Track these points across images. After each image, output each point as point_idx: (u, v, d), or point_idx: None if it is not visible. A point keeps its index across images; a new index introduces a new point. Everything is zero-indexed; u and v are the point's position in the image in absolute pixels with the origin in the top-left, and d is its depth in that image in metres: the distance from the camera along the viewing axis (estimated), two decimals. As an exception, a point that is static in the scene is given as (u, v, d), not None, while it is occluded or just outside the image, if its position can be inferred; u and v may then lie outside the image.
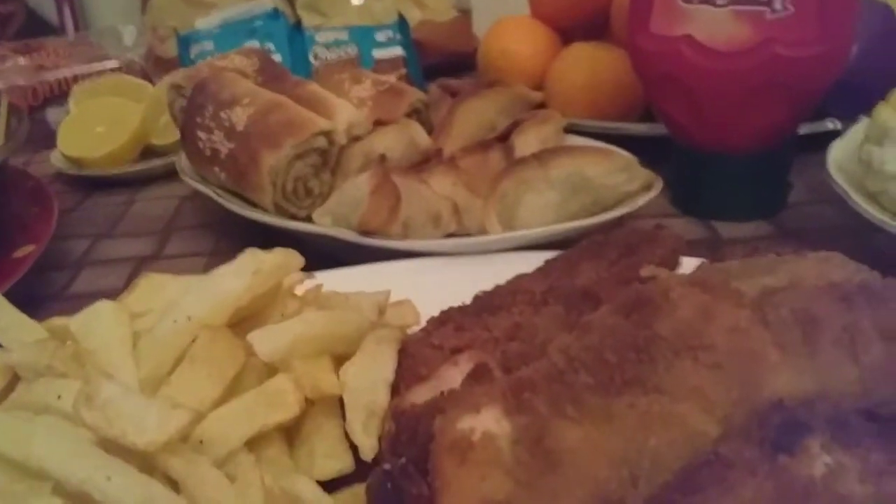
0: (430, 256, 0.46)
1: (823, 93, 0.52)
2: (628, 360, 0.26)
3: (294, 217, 0.52)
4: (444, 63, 0.91)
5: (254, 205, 0.53)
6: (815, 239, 0.52)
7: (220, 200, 0.53)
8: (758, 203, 0.55)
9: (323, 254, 0.47)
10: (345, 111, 0.56)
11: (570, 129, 0.65)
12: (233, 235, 0.58)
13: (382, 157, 0.49)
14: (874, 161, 0.42)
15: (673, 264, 0.36)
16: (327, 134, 0.52)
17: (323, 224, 0.50)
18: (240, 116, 0.52)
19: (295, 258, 0.34)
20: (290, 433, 0.32)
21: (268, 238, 0.51)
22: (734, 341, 0.25)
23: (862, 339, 0.24)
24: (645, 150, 0.57)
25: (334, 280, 0.40)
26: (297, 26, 0.86)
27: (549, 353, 0.27)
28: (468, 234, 0.49)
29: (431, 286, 0.40)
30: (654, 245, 0.36)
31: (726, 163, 0.54)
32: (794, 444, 0.22)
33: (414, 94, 0.62)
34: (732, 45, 0.50)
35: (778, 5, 0.49)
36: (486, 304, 0.34)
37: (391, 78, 0.65)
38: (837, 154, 0.47)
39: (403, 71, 0.83)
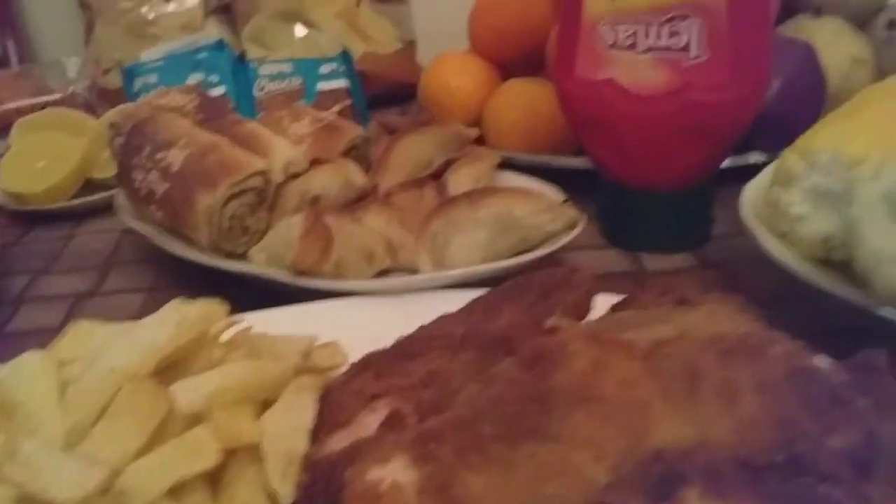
0: (363, 295, 0.47)
1: (741, 133, 0.55)
2: (529, 411, 0.27)
3: (231, 254, 0.53)
4: (388, 93, 0.93)
5: (192, 241, 0.54)
6: (735, 271, 0.54)
7: (156, 240, 0.54)
8: (682, 236, 0.57)
9: (264, 289, 0.48)
10: (282, 149, 0.57)
11: (507, 164, 0.67)
12: (172, 271, 0.59)
13: (315, 199, 0.50)
14: (780, 203, 0.44)
15: (586, 306, 0.38)
16: (263, 173, 0.53)
17: (258, 261, 0.51)
18: (176, 157, 0.53)
19: (219, 308, 0.35)
20: (214, 480, 0.32)
21: (206, 274, 0.52)
22: (623, 393, 0.27)
23: (738, 391, 0.26)
24: (578, 182, 0.59)
25: (266, 321, 0.42)
26: (242, 58, 0.87)
27: (456, 403, 0.28)
28: (403, 271, 0.51)
29: (364, 325, 0.41)
30: (568, 289, 0.38)
31: (650, 199, 0.56)
32: (672, 494, 0.24)
33: (353, 131, 0.64)
34: (653, 90, 0.53)
35: (694, 52, 0.51)
36: (406, 348, 0.35)
37: (330, 114, 0.66)
38: (752, 193, 0.49)
39: (348, 102, 0.85)
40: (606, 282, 0.55)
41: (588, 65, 0.55)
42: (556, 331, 0.31)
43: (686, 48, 0.51)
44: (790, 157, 0.44)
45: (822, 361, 0.27)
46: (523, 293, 0.39)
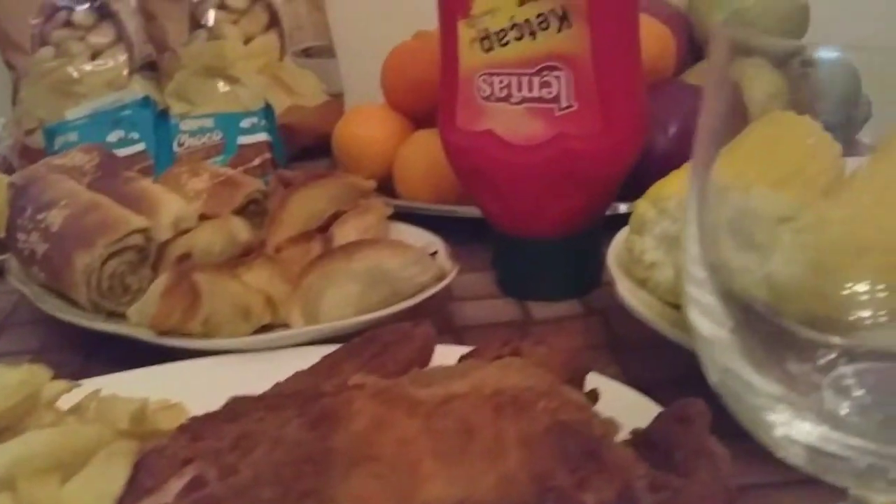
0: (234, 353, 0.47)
1: (618, 180, 0.55)
2: (306, 472, 0.27)
3: (113, 313, 0.53)
4: (315, 146, 0.93)
5: (74, 302, 0.54)
6: (618, 317, 0.54)
7: (37, 301, 0.54)
8: (568, 284, 0.57)
9: (152, 349, 0.48)
10: (171, 206, 0.57)
11: (412, 212, 0.68)
12: (62, 332, 0.58)
13: (182, 257, 0.50)
14: (635, 250, 0.44)
15: (425, 360, 0.38)
16: (143, 231, 0.54)
17: (133, 321, 0.51)
18: (56, 218, 0.53)
19: (42, 372, 0.35)
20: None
21: (95, 334, 0.52)
22: (399, 452, 0.27)
23: (505, 446, 0.26)
24: (480, 231, 0.60)
25: (123, 383, 0.42)
26: (164, 114, 0.88)
27: (239, 467, 0.28)
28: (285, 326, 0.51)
29: (227, 383, 0.41)
30: (406, 344, 0.38)
31: (535, 247, 0.57)
32: (421, 555, 0.24)
33: (251, 185, 0.64)
34: (528, 140, 0.53)
35: (564, 102, 0.52)
36: (232, 409, 0.35)
37: (235, 169, 0.67)
38: (619, 240, 0.50)
39: (268, 155, 0.85)
40: (490, 332, 0.55)
41: (467, 116, 0.55)
42: (359, 387, 0.31)
43: (557, 99, 0.52)
44: (642, 205, 0.45)
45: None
46: (364, 349, 0.39)
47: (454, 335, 0.54)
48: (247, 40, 0.91)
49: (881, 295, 0.29)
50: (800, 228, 0.34)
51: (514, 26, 0.52)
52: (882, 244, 0.35)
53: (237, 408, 0.35)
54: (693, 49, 0.79)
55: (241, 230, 0.56)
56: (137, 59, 0.94)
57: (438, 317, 0.56)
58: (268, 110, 0.87)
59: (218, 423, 0.34)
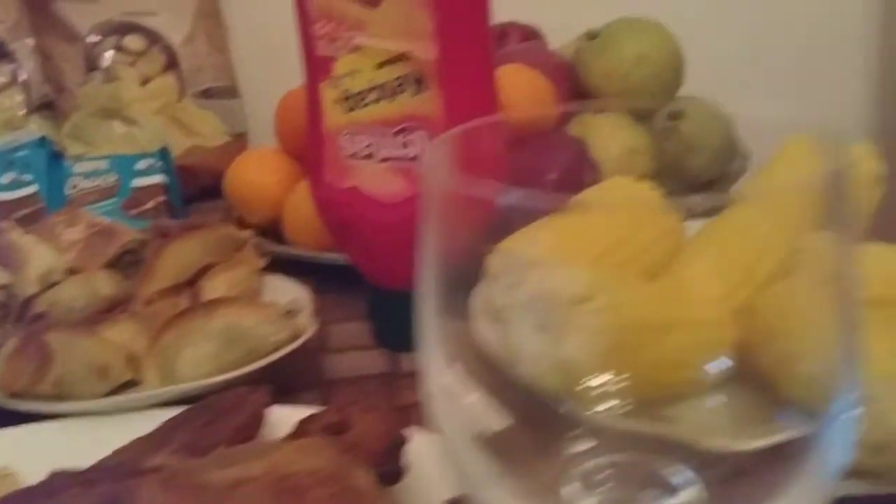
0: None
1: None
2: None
3: (-26, 372, 0.53)
4: (216, 186, 0.93)
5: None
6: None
7: None
8: (437, 336, 0.58)
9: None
10: (40, 260, 0.57)
11: (298, 259, 0.69)
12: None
13: (34, 317, 0.50)
14: (488, 300, 0.46)
15: (253, 429, 0.39)
16: (4, 287, 0.53)
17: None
18: (-87, 275, 0.53)
19: None
20: None
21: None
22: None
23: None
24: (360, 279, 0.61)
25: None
26: (58, 156, 0.87)
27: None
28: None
29: (80, 447, 0.41)
30: (237, 411, 0.39)
31: (403, 299, 0.57)
32: None
33: (127, 235, 0.64)
34: (391, 197, 0.54)
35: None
36: (50, 484, 0.35)
37: (106, 219, 0.66)
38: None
39: (162, 198, 0.85)
40: (359, 385, 0.56)
41: (334, 173, 0.56)
42: (156, 471, 0.31)
43: (416, 158, 0.54)
44: (493, 257, 0.46)
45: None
46: (198, 417, 0.40)
47: (321, 390, 0.55)
48: (144, 82, 0.91)
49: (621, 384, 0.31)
50: (596, 309, 0.36)
51: (373, 88, 0.53)
52: (688, 319, 0.36)
53: (55, 483, 0.36)
54: (578, 99, 0.81)
55: (105, 285, 0.56)
56: (35, 100, 0.93)
57: (310, 369, 0.57)
58: (164, 152, 0.87)
59: (34, 499, 0.35)
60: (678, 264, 0.49)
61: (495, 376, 0.33)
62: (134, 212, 0.84)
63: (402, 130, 0.53)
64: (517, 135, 0.75)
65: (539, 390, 0.36)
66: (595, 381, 0.31)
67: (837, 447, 0.25)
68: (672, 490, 0.26)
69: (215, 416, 0.39)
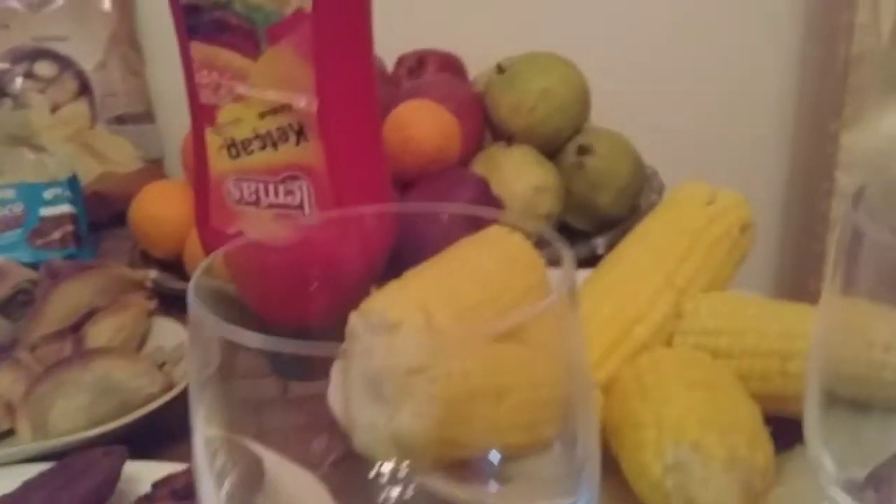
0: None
1: (365, 277, 0.57)
2: None
3: None
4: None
5: None
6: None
7: None
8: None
9: None
10: (-77, 305, 0.56)
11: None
12: None
13: None
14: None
15: (107, 492, 0.39)
16: None
17: None
18: None
19: None
20: None
21: None
22: None
23: None
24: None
25: None
26: (-32, 184, 0.86)
27: None
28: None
29: None
30: (90, 475, 0.39)
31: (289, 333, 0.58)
32: None
33: (20, 275, 0.64)
34: (275, 242, 0.55)
35: (306, 209, 0.54)
36: None
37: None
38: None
39: (70, 228, 0.84)
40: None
41: (220, 218, 0.56)
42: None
43: (300, 206, 0.54)
44: (353, 315, 0.47)
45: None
46: (53, 478, 0.39)
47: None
48: (55, 108, 0.90)
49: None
50: (432, 378, 0.36)
51: (256, 137, 0.53)
52: (522, 382, 0.37)
53: None
54: (488, 132, 0.82)
55: (-14, 333, 0.55)
56: (-57, 125, 0.91)
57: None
58: (73, 181, 0.86)
59: None
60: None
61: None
62: (40, 242, 0.83)
63: (285, 179, 0.54)
64: (420, 172, 0.76)
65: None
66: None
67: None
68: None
69: (69, 480, 0.39)
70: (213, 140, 0.55)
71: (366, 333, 0.45)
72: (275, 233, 0.55)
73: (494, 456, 0.34)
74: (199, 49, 0.53)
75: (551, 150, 0.80)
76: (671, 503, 0.35)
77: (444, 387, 0.37)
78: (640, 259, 0.53)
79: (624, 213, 0.81)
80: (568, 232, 0.81)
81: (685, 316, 0.50)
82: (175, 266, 0.75)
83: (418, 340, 0.41)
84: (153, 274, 0.73)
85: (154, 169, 0.96)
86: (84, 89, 0.91)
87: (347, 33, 0.52)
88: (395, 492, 0.33)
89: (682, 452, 0.35)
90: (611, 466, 0.43)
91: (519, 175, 0.75)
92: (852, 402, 0.33)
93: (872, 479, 0.32)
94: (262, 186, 0.54)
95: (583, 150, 0.80)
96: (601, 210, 0.80)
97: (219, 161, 0.55)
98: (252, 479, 0.30)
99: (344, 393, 0.40)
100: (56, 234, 0.82)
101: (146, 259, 0.77)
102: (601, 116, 0.84)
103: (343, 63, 0.52)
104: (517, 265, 0.52)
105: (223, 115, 0.53)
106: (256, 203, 0.55)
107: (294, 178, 0.53)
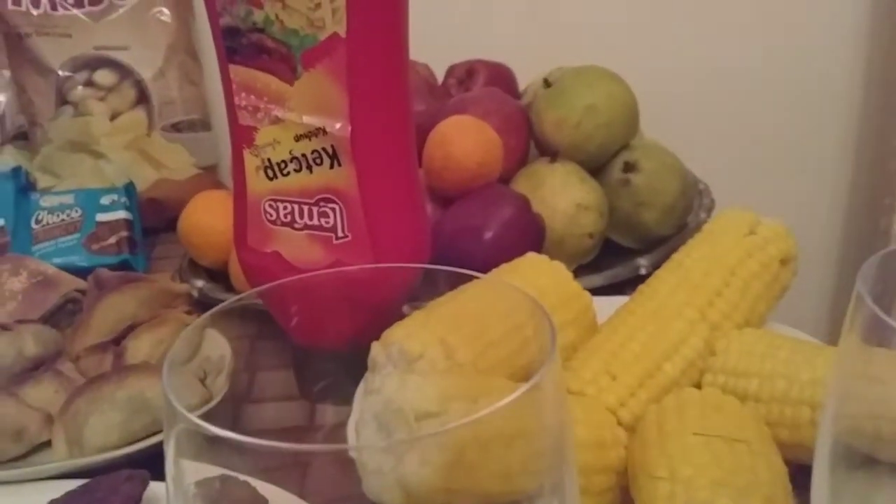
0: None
1: (396, 300, 0.57)
2: None
3: None
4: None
5: None
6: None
7: None
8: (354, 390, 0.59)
9: None
10: (-26, 314, 0.59)
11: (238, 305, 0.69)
12: None
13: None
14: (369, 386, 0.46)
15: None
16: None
17: None
18: None
19: None
20: None
21: None
22: None
23: None
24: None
25: None
26: (26, 189, 0.89)
27: None
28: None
29: None
30: (111, 499, 0.40)
31: (329, 358, 0.58)
32: None
33: (69, 285, 0.66)
34: (310, 264, 0.55)
35: (340, 232, 0.54)
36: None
37: (50, 267, 0.68)
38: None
39: (125, 234, 0.87)
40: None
41: (257, 237, 0.57)
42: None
43: (334, 228, 0.54)
44: (375, 345, 0.47)
45: None
46: (78, 500, 0.41)
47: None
48: (114, 116, 0.93)
49: None
50: (444, 423, 0.36)
51: (293, 159, 0.54)
52: (531, 428, 0.36)
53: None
54: (532, 147, 0.81)
55: (32, 344, 0.57)
56: (10, 130, 0.95)
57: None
58: (129, 188, 0.88)
59: None
60: (575, 360, 0.49)
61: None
62: (96, 247, 0.85)
63: (319, 201, 0.54)
64: (461, 189, 0.75)
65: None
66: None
67: None
68: None
69: (97, 500, 0.40)
70: (251, 161, 0.55)
71: (387, 365, 0.46)
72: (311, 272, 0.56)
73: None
74: (238, 72, 0.54)
75: (596, 167, 0.79)
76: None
77: (455, 434, 0.36)
78: (673, 291, 0.52)
79: (671, 232, 0.79)
80: (613, 250, 0.79)
81: (717, 354, 0.48)
82: (222, 275, 0.77)
83: (431, 383, 0.41)
84: (199, 283, 0.75)
85: (209, 176, 0.98)
86: (142, 97, 0.93)
87: (382, 58, 0.52)
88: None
89: (694, 494, 0.34)
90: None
91: (562, 192, 0.74)
92: (867, 460, 0.31)
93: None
94: (296, 208, 0.55)
95: (628, 168, 0.78)
96: (647, 228, 0.78)
97: (256, 182, 0.56)
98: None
99: (357, 431, 0.40)
100: (112, 240, 0.85)
101: (194, 267, 0.79)
102: (654, 130, 0.83)
103: (377, 87, 0.52)
104: (549, 297, 0.52)
105: (261, 137, 0.54)
106: (292, 224, 0.55)
107: (328, 200, 0.54)
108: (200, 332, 0.63)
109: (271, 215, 0.56)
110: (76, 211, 0.87)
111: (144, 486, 0.41)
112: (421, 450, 0.36)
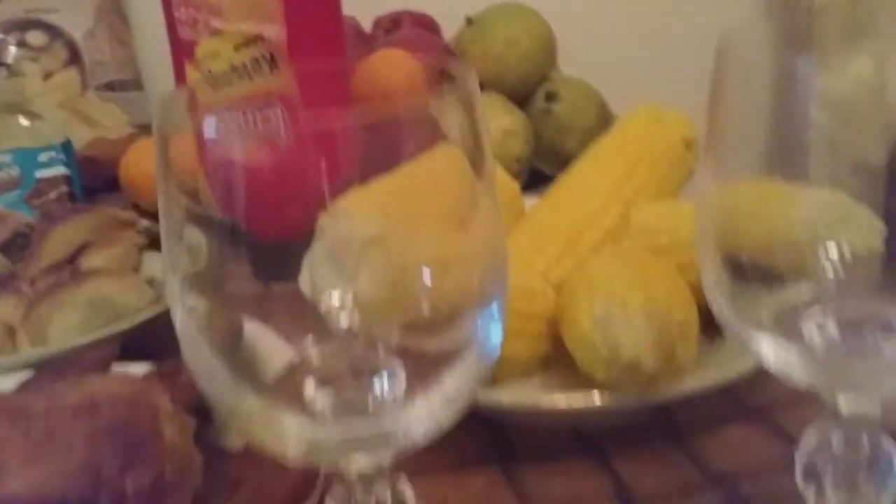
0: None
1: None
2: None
3: None
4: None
5: None
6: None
7: None
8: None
9: None
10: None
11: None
12: None
13: None
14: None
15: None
16: None
17: None
18: None
19: None
20: None
21: None
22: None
23: (72, 447, 0.31)
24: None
25: None
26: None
27: None
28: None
29: None
30: (80, 365, 0.43)
31: (274, 245, 0.62)
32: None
33: (17, 220, 0.68)
34: (258, 164, 0.59)
35: (282, 135, 0.58)
36: None
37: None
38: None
39: (65, 189, 0.88)
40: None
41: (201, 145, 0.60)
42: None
43: (276, 131, 0.58)
44: (322, 216, 0.51)
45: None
46: (46, 374, 0.43)
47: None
48: (47, 76, 0.94)
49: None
50: (387, 248, 0.40)
51: (233, 69, 0.57)
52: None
53: None
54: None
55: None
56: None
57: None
58: (66, 144, 0.90)
59: None
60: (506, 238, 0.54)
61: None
62: (37, 202, 0.87)
63: (262, 106, 0.57)
64: (381, 118, 0.79)
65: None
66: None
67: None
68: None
69: (60, 371, 0.43)
70: (192, 74, 0.58)
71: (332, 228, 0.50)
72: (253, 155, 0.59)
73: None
74: (176, -12, 0.57)
75: (520, 98, 0.84)
76: (599, 352, 0.39)
77: (396, 256, 0.41)
78: (590, 174, 0.57)
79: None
80: (540, 179, 0.84)
81: (632, 222, 0.53)
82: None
83: (377, 216, 0.45)
84: (145, 223, 0.77)
85: (144, 134, 1.00)
86: (74, 58, 0.95)
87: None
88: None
89: (608, 305, 0.39)
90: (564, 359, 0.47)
91: (488, 119, 0.79)
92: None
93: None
94: (240, 114, 0.58)
95: (550, 97, 0.84)
96: (569, 154, 0.83)
97: (201, 95, 0.59)
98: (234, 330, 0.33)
99: (312, 275, 0.44)
100: (52, 195, 0.86)
101: (138, 212, 0.81)
102: (568, 64, 0.88)
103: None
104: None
105: (201, 50, 0.57)
106: (237, 132, 0.59)
107: (270, 105, 0.57)
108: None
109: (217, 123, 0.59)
110: (14, 169, 0.88)
111: (114, 352, 0.44)
112: (369, 271, 0.40)
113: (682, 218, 0.50)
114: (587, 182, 0.56)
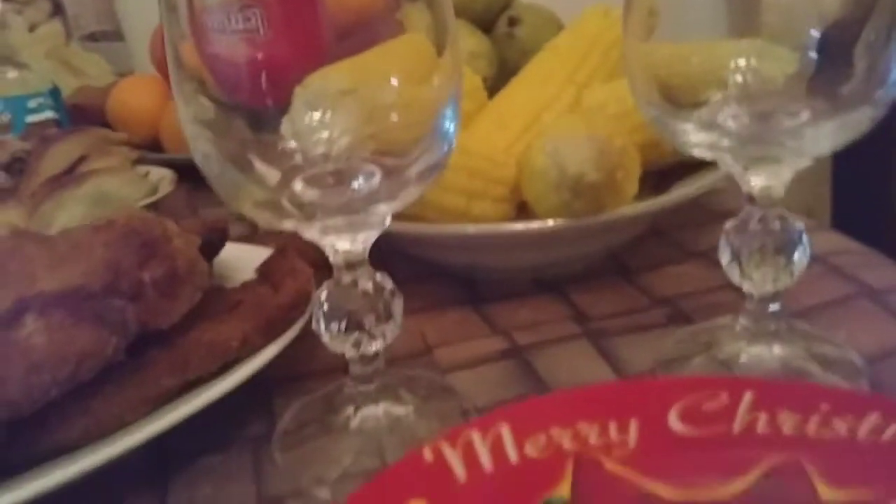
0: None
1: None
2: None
3: None
4: (105, 123, 1.01)
5: None
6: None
7: None
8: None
9: None
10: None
11: (172, 163, 0.77)
12: None
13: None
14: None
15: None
16: None
17: None
18: None
19: None
20: None
21: None
22: (21, 268, 0.36)
23: (91, 251, 0.35)
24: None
25: None
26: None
27: None
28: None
29: None
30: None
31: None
32: (17, 319, 0.33)
33: (15, 145, 0.72)
34: (241, 58, 0.63)
35: (262, 31, 0.62)
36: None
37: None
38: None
39: (54, 131, 0.92)
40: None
41: (203, 42, 0.65)
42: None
43: (257, 30, 0.62)
44: (296, 88, 0.56)
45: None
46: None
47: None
48: (32, 28, 0.98)
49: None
50: (358, 98, 0.46)
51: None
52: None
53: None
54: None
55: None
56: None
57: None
58: (54, 91, 0.94)
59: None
60: (471, 123, 0.59)
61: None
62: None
63: (243, 7, 0.62)
64: (347, 23, 0.84)
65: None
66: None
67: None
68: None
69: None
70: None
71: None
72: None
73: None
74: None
75: (485, 25, 0.89)
76: (550, 176, 0.44)
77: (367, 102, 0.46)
78: (547, 64, 0.62)
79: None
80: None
81: (583, 102, 0.58)
82: (151, 150, 0.84)
83: (346, 75, 0.50)
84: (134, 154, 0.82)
85: (127, 81, 1.04)
86: (57, 10, 0.99)
87: None
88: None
89: (557, 140, 0.44)
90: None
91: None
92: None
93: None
94: (225, 16, 0.63)
95: (512, 22, 0.88)
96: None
97: (183, 10, 0.64)
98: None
99: (293, 122, 0.49)
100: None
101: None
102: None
103: None
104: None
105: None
106: (224, 31, 0.63)
107: (249, 6, 0.62)
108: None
109: (208, 24, 0.64)
110: (5, 115, 0.92)
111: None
112: (343, 114, 0.45)
113: (628, 91, 0.55)
114: (544, 71, 0.61)
